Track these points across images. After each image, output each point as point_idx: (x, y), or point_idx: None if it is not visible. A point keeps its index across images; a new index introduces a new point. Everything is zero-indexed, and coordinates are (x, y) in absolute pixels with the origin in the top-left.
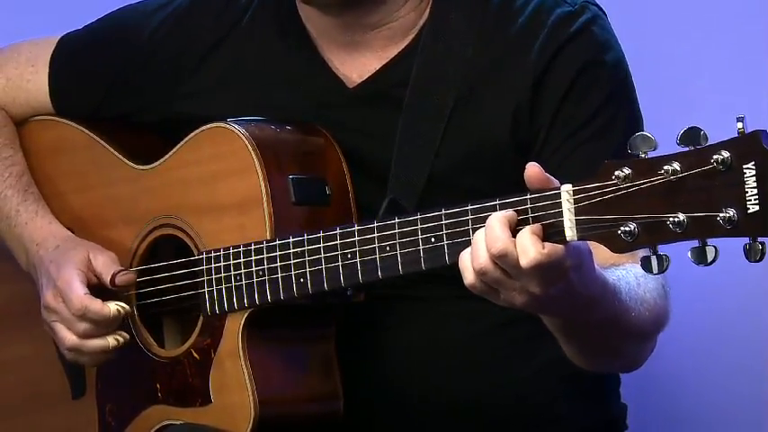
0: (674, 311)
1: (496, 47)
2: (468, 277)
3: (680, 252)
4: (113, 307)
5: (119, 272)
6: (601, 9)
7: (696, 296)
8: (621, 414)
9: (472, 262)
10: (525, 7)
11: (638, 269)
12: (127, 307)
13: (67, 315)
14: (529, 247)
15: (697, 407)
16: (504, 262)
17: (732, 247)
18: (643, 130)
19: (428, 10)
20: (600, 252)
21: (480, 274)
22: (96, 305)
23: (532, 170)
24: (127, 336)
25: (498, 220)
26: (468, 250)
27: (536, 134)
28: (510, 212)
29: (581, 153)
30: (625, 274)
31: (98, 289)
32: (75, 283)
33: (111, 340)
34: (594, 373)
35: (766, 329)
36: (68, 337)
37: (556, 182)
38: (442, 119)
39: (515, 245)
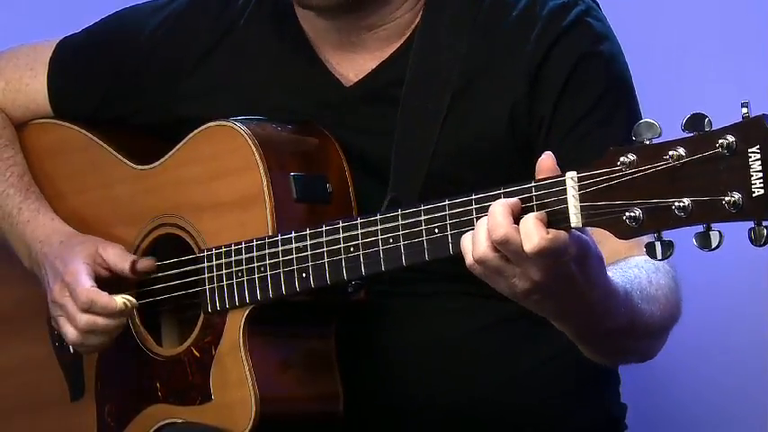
0: None
1: (490, 42)
2: (469, 260)
3: (681, 252)
4: (120, 300)
5: (137, 259)
6: (594, 0)
7: (696, 296)
8: (621, 414)
9: (472, 249)
10: (518, 1)
11: (649, 265)
12: (134, 300)
13: (72, 310)
14: (533, 233)
15: (697, 407)
16: (505, 248)
17: (732, 246)
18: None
19: (421, 8)
20: (611, 244)
21: (480, 261)
22: (103, 298)
23: (546, 162)
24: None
25: (500, 207)
26: (468, 234)
27: (537, 128)
28: (513, 200)
29: (585, 144)
30: (638, 272)
31: (106, 283)
32: (82, 277)
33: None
34: (606, 366)
35: (766, 329)
36: (71, 331)
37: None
38: (438, 115)
39: (518, 231)
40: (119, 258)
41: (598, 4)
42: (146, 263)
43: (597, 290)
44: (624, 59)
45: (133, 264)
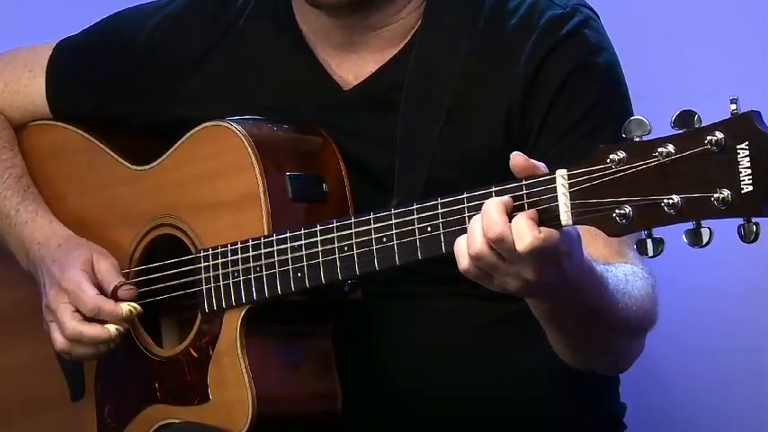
0: (674, 311)
1: (489, 49)
2: (463, 262)
3: (680, 252)
4: (126, 307)
5: (121, 284)
6: (593, 11)
7: (696, 296)
8: (620, 413)
9: (468, 247)
10: (517, 9)
11: (626, 267)
12: (139, 308)
13: (62, 316)
14: (525, 232)
15: (696, 407)
16: (500, 247)
17: (732, 245)
18: None
19: (424, 10)
20: (596, 251)
21: (476, 259)
22: (109, 306)
23: (517, 160)
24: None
25: (495, 205)
26: (463, 236)
27: (527, 136)
28: (506, 198)
29: (573, 153)
30: (614, 270)
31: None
32: (85, 284)
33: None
34: (583, 371)
35: (766, 330)
36: (59, 338)
37: (543, 167)
38: (438, 121)
39: (512, 230)
40: (107, 275)
41: (597, 14)
42: (128, 293)
43: (577, 269)
44: (620, 71)
45: (115, 289)
